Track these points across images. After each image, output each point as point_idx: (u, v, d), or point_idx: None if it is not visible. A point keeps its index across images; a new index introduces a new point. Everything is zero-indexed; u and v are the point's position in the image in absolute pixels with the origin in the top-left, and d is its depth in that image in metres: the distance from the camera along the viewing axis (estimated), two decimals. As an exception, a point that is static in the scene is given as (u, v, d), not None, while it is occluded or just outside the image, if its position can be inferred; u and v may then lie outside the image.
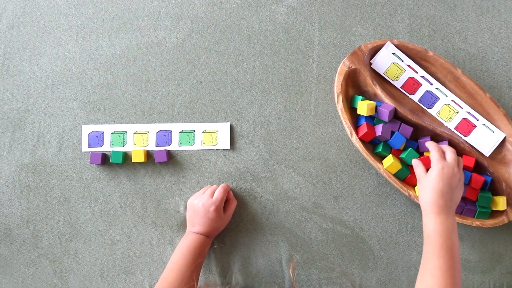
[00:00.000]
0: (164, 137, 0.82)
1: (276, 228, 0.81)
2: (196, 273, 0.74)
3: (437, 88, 0.80)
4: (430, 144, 0.71)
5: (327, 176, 0.82)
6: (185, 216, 0.81)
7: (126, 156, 0.82)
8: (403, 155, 0.76)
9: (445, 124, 0.80)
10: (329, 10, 0.84)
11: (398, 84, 0.80)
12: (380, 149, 0.77)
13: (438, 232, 0.64)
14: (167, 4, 0.84)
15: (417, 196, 0.76)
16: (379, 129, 0.76)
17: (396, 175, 0.76)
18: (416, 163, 0.71)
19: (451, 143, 0.77)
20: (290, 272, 0.80)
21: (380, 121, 0.77)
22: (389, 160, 0.75)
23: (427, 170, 0.69)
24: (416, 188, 0.75)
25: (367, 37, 0.83)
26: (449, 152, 0.69)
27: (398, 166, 0.75)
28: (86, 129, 0.82)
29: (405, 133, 0.77)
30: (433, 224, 0.65)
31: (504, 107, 0.80)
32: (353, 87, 0.80)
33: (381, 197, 0.82)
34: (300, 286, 0.80)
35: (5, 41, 0.84)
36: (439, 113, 0.80)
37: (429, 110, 0.80)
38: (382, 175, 0.77)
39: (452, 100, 0.79)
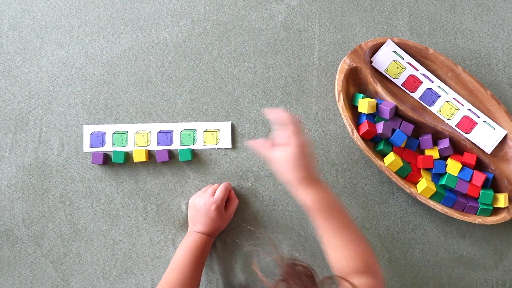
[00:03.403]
0: (165, 136, 0.82)
1: (278, 226, 0.81)
2: (198, 272, 0.74)
3: (438, 86, 0.80)
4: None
5: (329, 174, 0.82)
6: (187, 215, 0.81)
7: (127, 156, 0.82)
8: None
9: (446, 121, 0.80)
10: (329, 9, 0.84)
11: (399, 82, 0.80)
12: (381, 147, 0.77)
13: (317, 201, 0.63)
14: (168, 4, 0.84)
15: (418, 194, 0.76)
16: (380, 127, 0.76)
17: (397, 172, 0.77)
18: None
19: (452, 140, 0.77)
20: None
21: (381, 119, 0.77)
22: (390, 157, 0.75)
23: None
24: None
25: (367, 35, 0.84)
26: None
27: (399, 163, 0.75)
28: (88, 129, 0.82)
29: (406, 131, 0.77)
30: (306, 197, 0.64)
31: (505, 104, 0.80)
32: (354, 85, 0.80)
33: (382, 195, 0.82)
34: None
35: (6, 42, 0.84)
36: (440, 111, 0.80)
37: (430, 108, 0.80)
38: (384, 172, 0.77)
39: (453, 98, 0.79)
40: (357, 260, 0.63)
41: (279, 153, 0.63)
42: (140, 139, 0.82)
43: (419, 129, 0.79)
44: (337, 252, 0.64)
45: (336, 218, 0.64)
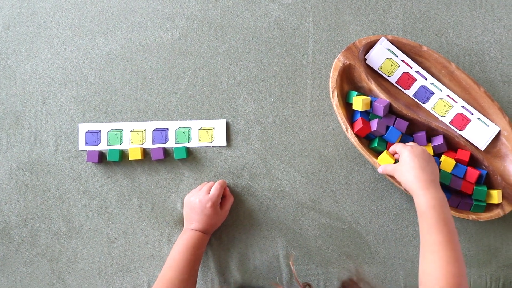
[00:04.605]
0: (160, 134, 0.82)
1: (273, 224, 0.82)
2: (195, 269, 0.74)
3: (431, 83, 0.80)
4: (393, 146, 0.75)
5: (323, 171, 0.82)
6: (182, 213, 0.81)
7: (123, 154, 0.82)
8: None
9: (440, 118, 0.80)
10: (323, 7, 0.85)
11: (393, 79, 0.81)
12: (375, 144, 0.77)
13: (431, 207, 0.64)
14: (162, 3, 0.85)
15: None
16: (374, 124, 0.76)
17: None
18: (389, 153, 0.75)
19: (446, 137, 0.78)
20: (291, 264, 0.79)
21: (375, 116, 0.77)
22: (384, 156, 0.76)
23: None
24: (398, 177, 0.73)
25: (361, 33, 0.84)
26: (409, 143, 0.74)
27: (392, 161, 0.75)
28: (83, 128, 0.82)
29: (400, 128, 0.77)
30: (425, 200, 0.64)
31: (498, 101, 0.81)
32: (348, 82, 0.80)
33: (377, 192, 0.82)
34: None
35: (1, 41, 0.84)
36: (434, 108, 0.80)
37: (424, 105, 0.80)
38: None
39: (447, 95, 0.80)
40: (447, 283, 0.59)
41: (400, 165, 0.70)
42: (135, 137, 0.82)
43: (413, 126, 0.79)
44: (429, 266, 0.61)
45: (443, 232, 0.62)
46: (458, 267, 0.60)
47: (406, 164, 0.68)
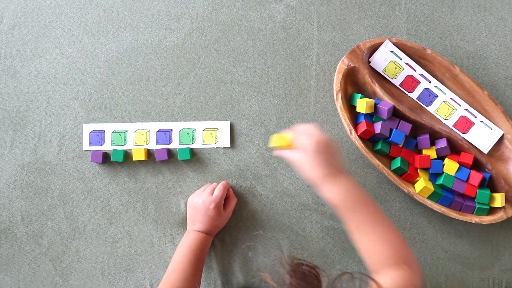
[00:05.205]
0: (164, 135, 0.82)
1: (276, 225, 0.82)
2: (199, 271, 0.74)
3: (435, 86, 0.80)
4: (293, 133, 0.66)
5: (327, 173, 0.82)
6: (186, 214, 0.81)
7: (126, 155, 0.82)
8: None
9: (444, 121, 0.80)
10: (327, 9, 0.85)
11: (397, 82, 0.81)
12: (379, 146, 0.77)
13: (344, 196, 0.62)
14: (167, 4, 0.85)
15: (416, 193, 0.77)
16: (378, 127, 0.76)
17: (394, 171, 0.77)
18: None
19: (449, 140, 0.78)
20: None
21: (379, 119, 0.78)
22: (278, 138, 0.66)
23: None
24: (298, 171, 0.66)
25: (365, 35, 0.84)
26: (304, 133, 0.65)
27: (286, 143, 0.66)
28: (87, 128, 0.83)
29: (404, 130, 0.77)
30: (336, 193, 0.62)
31: (502, 104, 0.81)
32: (352, 85, 0.80)
33: (380, 194, 0.82)
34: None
35: (6, 41, 0.84)
36: (437, 111, 0.80)
37: (427, 108, 0.81)
38: (381, 172, 0.77)
39: (451, 98, 0.80)
40: (388, 254, 0.61)
41: (297, 155, 0.63)
42: (139, 138, 0.82)
43: (417, 129, 0.79)
44: (367, 247, 0.62)
45: (363, 212, 0.62)
46: (397, 236, 0.62)
47: (306, 161, 0.63)
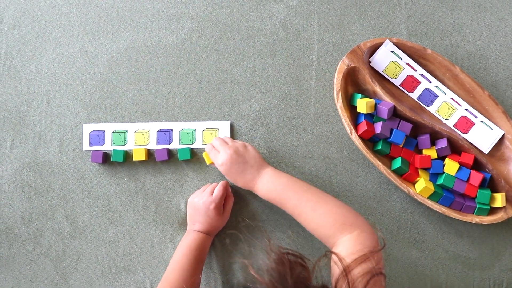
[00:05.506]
0: (164, 135, 0.82)
1: (276, 225, 0.82)
2: (199, 271, 0.74)
3: (435, 86, 0.80)
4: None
5: (327, 173, 0.82)
6: (186, 214, 0.81)
7: (127, 155, 0.82)
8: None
9: (444, 121, 0.80)
10: (328, 9, 0.85)
11: (397, 82, 0.81)
12: (379, 146, 0.77)
13: (279, 191, 0.69)
14: (168, 4, 0.85)
15: (416, 193, 0.77)
16: (378, 127, 0.76)
17: (395, 171, 0.77)
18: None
19: (450, 140, 0.78)
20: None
21: (380, 119, 0.77)
22: (206, 156, 0.77)
23: None
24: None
25: (366, 35, 0.84)
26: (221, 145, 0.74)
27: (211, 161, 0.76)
28: (87, 128, 0.83)
29: (404, 130, 0.77)
30: (266, 191, 0.70)
31: (502, 104, 0.81)
32: (353, 85, 0.80)
33: (380, 194, 0.82)
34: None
35: (6, 41, 0.84)
36: (438, 111, 0.80)
37: (428, 108, 0.81)
38: (382, 172, 0.77)
39: (451, 98, 0.80)
40: (330, 223, 0.64)
41: (221, 170, 0.73)
42: (139, 138, 0.82)
43: (417, 129, 0.79)
44: (312, 225, 0.66)
45: (294, 196, 0.66)
46: (336, 205, 0.66)
47: (228, 174, 0.73)
